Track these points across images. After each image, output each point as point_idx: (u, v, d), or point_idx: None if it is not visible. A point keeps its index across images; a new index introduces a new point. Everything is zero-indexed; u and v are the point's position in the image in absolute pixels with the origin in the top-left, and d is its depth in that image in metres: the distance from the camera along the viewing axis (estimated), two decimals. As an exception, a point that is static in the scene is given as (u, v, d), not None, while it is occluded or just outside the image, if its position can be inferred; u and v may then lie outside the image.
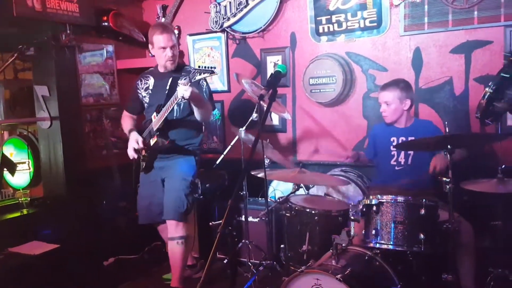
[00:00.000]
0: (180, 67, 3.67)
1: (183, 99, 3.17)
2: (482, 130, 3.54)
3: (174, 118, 3.57)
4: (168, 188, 3.61)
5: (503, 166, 2.86)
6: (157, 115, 3.50)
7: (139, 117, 3.93)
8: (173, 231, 3.54)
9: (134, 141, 3.59)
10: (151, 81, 3.72)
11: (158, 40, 3.51)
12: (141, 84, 3.78)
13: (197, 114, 3.47)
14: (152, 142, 3.55)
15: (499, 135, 3.42)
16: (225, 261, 3.84)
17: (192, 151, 3.69)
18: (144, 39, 4.75)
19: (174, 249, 3.55)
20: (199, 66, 3.20)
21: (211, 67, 3.13)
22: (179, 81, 3.16)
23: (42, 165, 4.44)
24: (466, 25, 3.60)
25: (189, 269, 3.96)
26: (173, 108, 3.39)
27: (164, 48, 3.51)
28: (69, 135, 4.29)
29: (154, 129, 3.51)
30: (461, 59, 3.67)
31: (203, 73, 3.13)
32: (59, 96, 4.22)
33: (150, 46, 3.63)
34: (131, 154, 3.63)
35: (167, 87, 3.53)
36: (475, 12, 3.55)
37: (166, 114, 3.40)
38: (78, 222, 4.18)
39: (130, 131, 3.70)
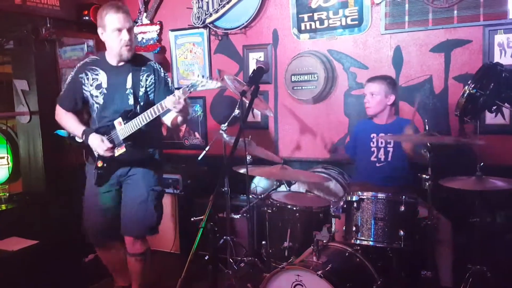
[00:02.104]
0: (138, 58, 3.10)
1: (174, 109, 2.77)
2: (461, 128, 3.60)
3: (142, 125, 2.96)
4: (131, 200, 3.11)
5: (482, 164, 2.90)
6: (124, 123, 2.95)
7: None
8: (132, 248, 3.17)
9: (101, 143, 2.97)
10: (102, 77, 3.04)
11: (112, 20, 2.89)
12: (87, 79, 3.06)
13: (179, 119, 3.04)
14: (117, 152, 3.01)
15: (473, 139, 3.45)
16: (206, 258, 3.83)
17: (158, 157, 3.24)
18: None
19: (135, 265, 3.21)
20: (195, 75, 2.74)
21: (218, 83, 2.73)
22: (176, 91, 2.76)
23: (21, 160, 4.39)
24: (446, 24, 3.65)
25: None
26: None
27: (119, 30, 2.90)
28: (48, 130, 4.21)
29: (121, 138, 2.97)
30: (441, 58, 3.72)
31: (207, 86, 2.70)
32: (39, 90, 4.17)
33: (100, 30, 2.99)
34: (108, 154, 3.00)
35: (128, 86, 3.00)
36: (455, 12, 3.60)
37: (142, 125, 2.90)
38: (58, 217, 4.13)
39: (85, 132, 3.04)
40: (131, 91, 3.01)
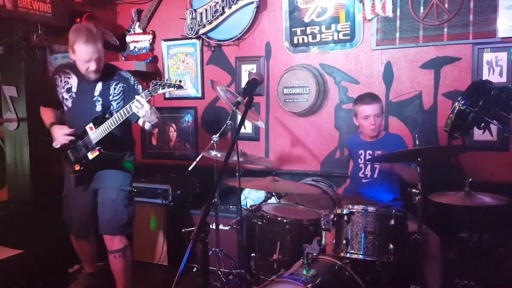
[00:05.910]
0: (107, 69, 3.25)
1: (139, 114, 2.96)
2: (450, 144, 3.64)
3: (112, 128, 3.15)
4: (104, 200, 3.31)
5: (470, 179, 2.93)
6: (95, 127, 3.15)
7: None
8: (110, 245, 3.36)
9: (60, 130, 3.23)
10: (73, 81, 3.26)
11: (81, 52, 3.04)
12: (60, 81, 3.30)
13: (147, 126, 3.24)
14: (91, 156, 3.22)
15: (464, 147, 3.52)
16: (194, 270, 3.80)
17: (129, 160, 3.43)
18: (118, 42, 4.73)
19: (115, 262, 3.39)
20: (161, 80, 2.94)
21: (178, 81, 2.88)
22: (136, 96, 2.94)
23: (7, 168, 4.32)
24: (436, 42, 3.71)
25: None
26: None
27: (88, 61, 3.07)
28: (36, 137, 4.17)
29: (94, 142, 3.18)
30: (430, 74, 3.77)
31: (167, 87, 2.88)
32: (28, 97, 4.12)
33: (69, 50, 3.12)
34: (62, 142, 3.23)
35: (96, 94, 3.22)
36: (445, 29, 3.66)
37: (112, 128, 3.09)
38: (43, 227, 4.07)
39: (52, 124, 3.33)
40: (99, 98, 3.22)
